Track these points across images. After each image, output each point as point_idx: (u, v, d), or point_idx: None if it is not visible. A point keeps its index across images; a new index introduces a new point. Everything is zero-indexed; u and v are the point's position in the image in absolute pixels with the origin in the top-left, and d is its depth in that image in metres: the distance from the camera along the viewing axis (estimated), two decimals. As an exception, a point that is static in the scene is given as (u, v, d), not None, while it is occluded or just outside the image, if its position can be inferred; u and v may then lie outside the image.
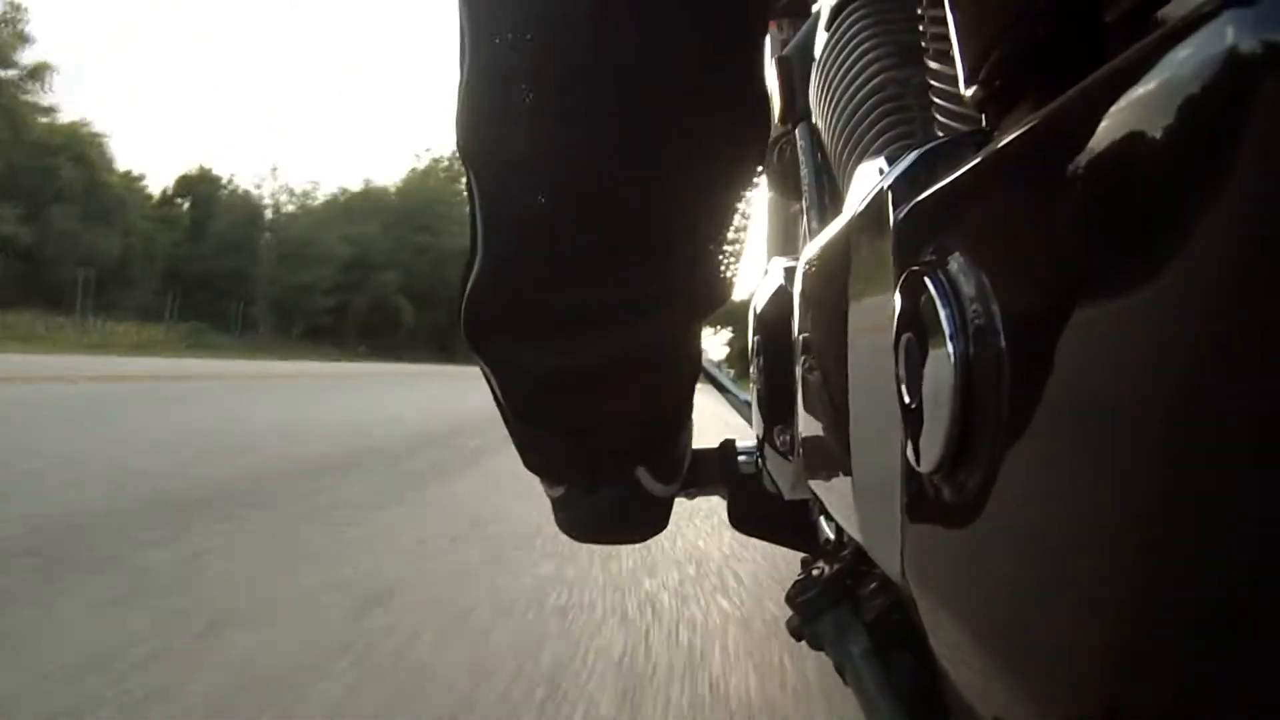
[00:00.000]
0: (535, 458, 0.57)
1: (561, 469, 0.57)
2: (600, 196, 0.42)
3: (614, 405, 0.51)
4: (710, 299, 0.49)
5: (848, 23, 0.54)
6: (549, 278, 0.45)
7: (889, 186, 0.30)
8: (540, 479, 0.60)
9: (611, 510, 0.59)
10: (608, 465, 0.56)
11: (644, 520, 0.61)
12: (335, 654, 1.06)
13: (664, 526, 0.63)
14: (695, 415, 0.63)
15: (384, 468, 2.86)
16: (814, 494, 0.53)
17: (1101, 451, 0.16)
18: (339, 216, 42.60)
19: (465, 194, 0.46)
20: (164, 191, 42.70)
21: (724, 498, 0.77)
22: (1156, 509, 0.14)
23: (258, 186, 44.34)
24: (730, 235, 0.47)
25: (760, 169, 0.47)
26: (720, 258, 0.47)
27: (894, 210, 0.29)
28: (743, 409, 0.96)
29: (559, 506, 0.61)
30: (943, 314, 0.22)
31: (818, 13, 0.65)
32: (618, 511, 0.59)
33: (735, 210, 0.46)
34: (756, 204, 0.48)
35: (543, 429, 0.52)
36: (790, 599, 0.54)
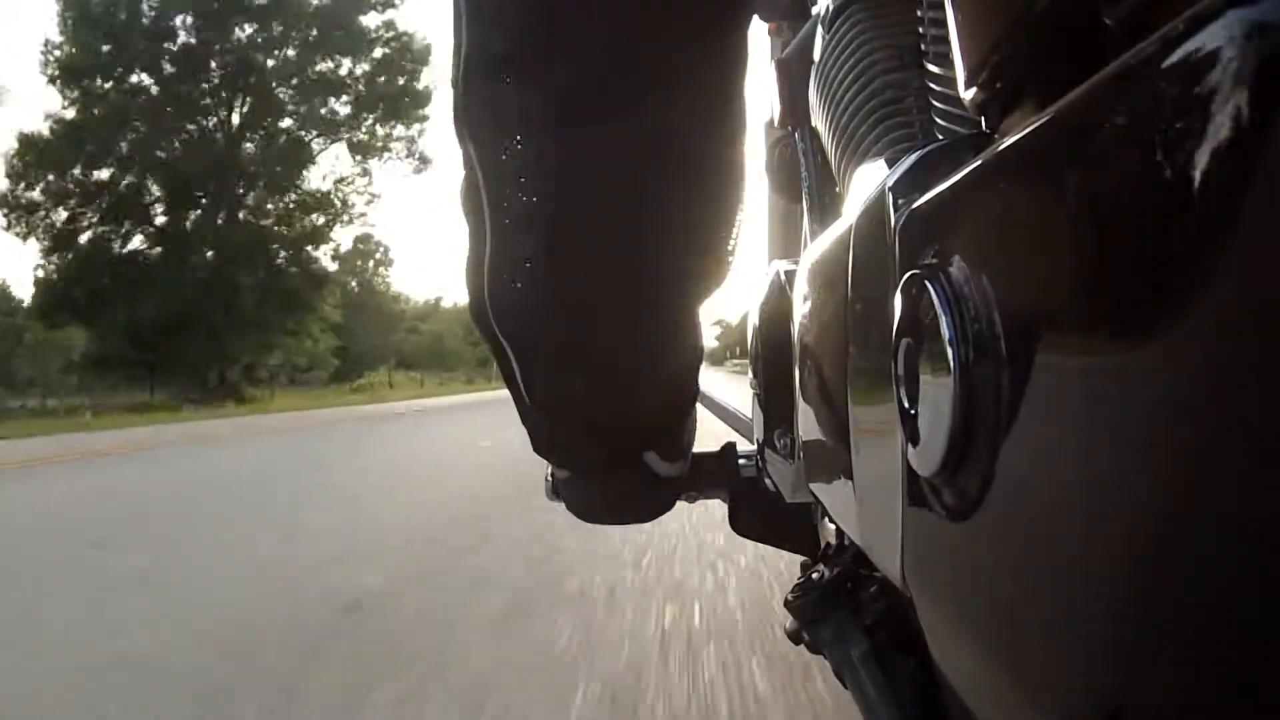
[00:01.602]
0: (547, 444, 0.58)
1: (573, 455, 0.59)
2: (600, 192, 0.43)
3: (625, 385, 0.52)
4: (711, 280, 0.51)
5: (847, 25, 0.54)
6: (562, 265, 0.46)
7: (889, 189, 0.30)
8: (549, 462, 0.61)
9: (620, 494, 0.61)
10: (618, 451, 0.57)
11: (652, 501, 0.63)
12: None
13: (672, 505, 0.65)
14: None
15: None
16: (815, 497, 0.53)
17: (1101, 456, 0.16)
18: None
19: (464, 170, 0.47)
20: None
21: (725, 501, 0.77)
22: (1156, 513, 0.14)
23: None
24: (730, 220, 0.48)
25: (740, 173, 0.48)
26: (720, 241, 0.49)
27: (894, 213, 0.29)
28: (741, 425, 0.96)
29: (567, 488, 0.63)
30: (942, 318, 0.21)
31: (817, 15, 0.65)
32: (626, 495, 0.61)
33: (733, 196, 0.48)
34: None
35: (559, 415, 0.53)
36: (790, 603, 0.54)
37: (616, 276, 0.46)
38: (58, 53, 18.50)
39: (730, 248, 0.49)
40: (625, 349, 0.49)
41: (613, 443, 0.56)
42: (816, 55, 0.61)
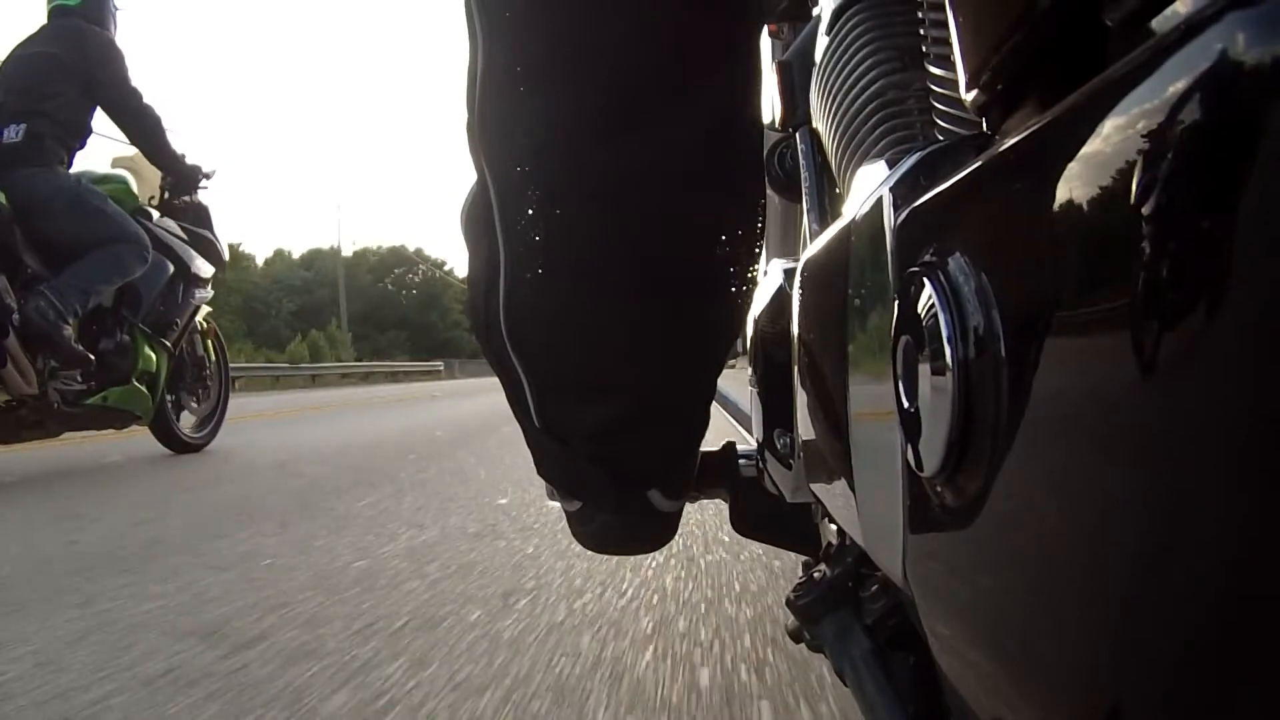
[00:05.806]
0: (553, 471, 0.57)
1: (578, 487, 0.58)
2: (620, 209, 0.43)
3: (642, 415, 0.51)
4: (727, 337, 0.50)
5: (848, 27, 0.54)
6: (585, 291, 0.45)
7: (889, 189, 0.30)
8: (555, 489, 0.61)
9: (624, 529, 0.61)
10: (623, 485, 0.57)
11: (655, 535, 0.63)
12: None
13: (674, 535, 0.64)
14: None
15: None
16: (815, 497, 0.53)
17: (1101, 455, 0.16)
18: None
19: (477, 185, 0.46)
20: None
21: (725, 501, 0.77)
22: (1156, 513, 0.14)
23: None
24: (744, 273, 0.48)
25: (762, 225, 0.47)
26: (736, 296, 0.48)
27: (894, 213, 0.29)
28: (743, 418, 0.96)
29: (574, 520, 0.63)
30: (942, 318, 0.22)
31: (818, 17, 0.65)
32: (629, 530, 0.62)
33: (750, 250, 0.47)
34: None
35: (568, 441, 0.53)
36: (791, 602, 0.54)
37: (643, 299, 0.45)
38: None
39: (744, 298, 0.49)
40: (649, 378, 0.48)
41: (619, 475, 0.55)
42: (818, 57, 0.61)
